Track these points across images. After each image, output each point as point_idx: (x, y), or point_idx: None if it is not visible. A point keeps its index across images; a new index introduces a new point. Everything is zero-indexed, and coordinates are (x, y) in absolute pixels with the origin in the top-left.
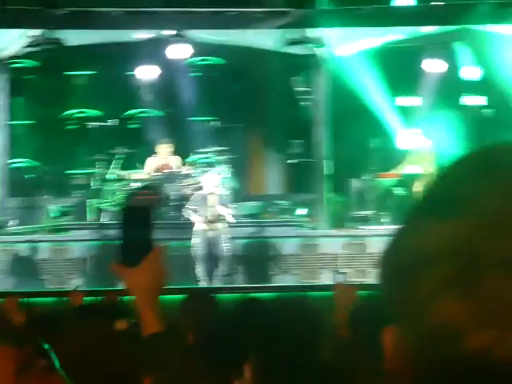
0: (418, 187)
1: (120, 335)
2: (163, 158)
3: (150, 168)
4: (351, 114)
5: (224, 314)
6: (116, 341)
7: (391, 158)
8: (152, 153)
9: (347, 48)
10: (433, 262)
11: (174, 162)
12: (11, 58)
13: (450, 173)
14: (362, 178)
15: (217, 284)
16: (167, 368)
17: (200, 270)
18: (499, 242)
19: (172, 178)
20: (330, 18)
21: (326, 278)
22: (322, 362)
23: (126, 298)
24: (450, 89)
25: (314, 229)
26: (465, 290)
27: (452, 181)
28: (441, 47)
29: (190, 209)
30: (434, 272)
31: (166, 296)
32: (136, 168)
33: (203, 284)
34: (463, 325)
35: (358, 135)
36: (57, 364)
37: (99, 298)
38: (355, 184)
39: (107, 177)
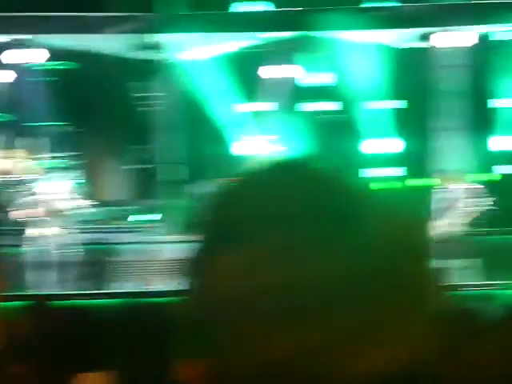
0: None
1: None
2: (9, 161)
3: None
4: (194, 120)
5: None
6: None
7: (233, 164)
8: None
9: (191, 53)
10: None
11: (21, 166)
12: None
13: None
14: (205, 183)
15: (53, 291)
16: None
17: (35, 276)
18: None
19: (10, 183)
20: (177, 23)
21: (163, 284)
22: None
23: None
24: (294, 94)
25: (158, 234)
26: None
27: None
28: (285, 53)
29: (29, 214)
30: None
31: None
32: None
33: (38, 290)
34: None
35: (201, 141)
36: None
37: None
38: (198, 189)
39: None
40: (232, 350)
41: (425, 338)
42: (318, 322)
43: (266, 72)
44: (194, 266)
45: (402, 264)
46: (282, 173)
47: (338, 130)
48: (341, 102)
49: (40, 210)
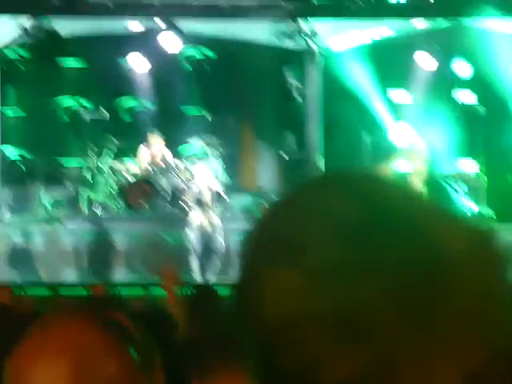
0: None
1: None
2: (155, 149)
3: (142, 159)
4: (343, 109)
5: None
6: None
7: (383, 154)
8: (145, 145)
9: (340, 42)
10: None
11: (167, 154)
12: (2, 47)
13: (282, 210)
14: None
15: (211, 278)
16: None
17: (195, 263)
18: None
19: (166, 170)
20: (322, 11)
21: None
22: None
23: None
24: (442, 86)
25: None
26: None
27: (286, 220)
28: (433, 43)
29: (186, 201)
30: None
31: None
32: (129, 159)
33: (197, 277)
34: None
35: (350, 130)
36: None
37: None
38: None
39: (100, 168)
40: (295, 374)
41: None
42: (388, 340)
43: (415, 61)
44: (249, 282)
45: (485, 276)
46: (347, 184)
47: (489, 122)
48: (489, 94)
49: (193, 198)
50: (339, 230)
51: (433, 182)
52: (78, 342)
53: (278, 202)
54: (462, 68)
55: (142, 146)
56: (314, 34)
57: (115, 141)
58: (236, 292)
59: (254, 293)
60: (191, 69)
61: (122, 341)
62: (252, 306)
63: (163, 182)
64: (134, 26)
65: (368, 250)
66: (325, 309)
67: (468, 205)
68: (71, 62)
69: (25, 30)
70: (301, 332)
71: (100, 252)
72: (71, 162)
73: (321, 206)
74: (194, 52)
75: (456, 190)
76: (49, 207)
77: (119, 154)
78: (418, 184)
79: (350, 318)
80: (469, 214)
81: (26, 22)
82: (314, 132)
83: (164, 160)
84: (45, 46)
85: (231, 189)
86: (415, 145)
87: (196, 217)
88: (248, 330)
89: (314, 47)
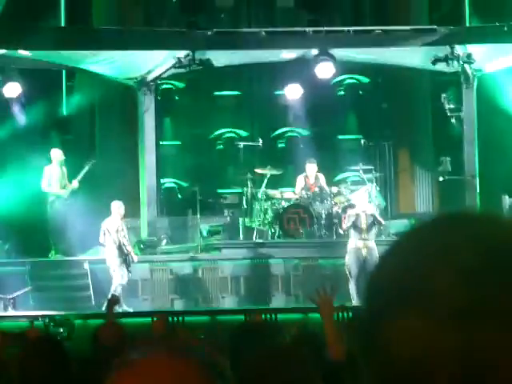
0: None
1: None
2: (311, 176)
3: (299, 186)
4: (500, 131)
5: None
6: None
7: None
8: (300, 172)
9: (495, 64)
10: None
11: (322, 180)
12: (158, 79)
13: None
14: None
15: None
16: None
17: (353, 287)
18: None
19: (322, 196)
20: (477, 35)
21: None
22: None
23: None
24: None
25: None
26: None
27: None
28: None
29: (343, 227)
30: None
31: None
32: (284, 186)
33: (355, 301)
34: None
35: (508, 152)
36: None
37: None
38: (506, 201)
39: (257, 196)
40: None
41: None
42: None
43: None
44: (375, 325)
45: None
46: (464, 226)
47: None
48: None
49: (349, 223)
50: (461, 274)
51: None
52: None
53: (397, 243)
54: None
55: (298, 173)
56: (468, 57)
57: (272, 168)
58: (359, 333)
59: (382, 336)
60: (346, 96)
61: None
62: (379, 347)
63: (319, 208)
64: (288, 55)
65: (491, 294)
66: (453, 354)
67: None
68: (226, 92)
69: (179, 61)
70: (428, 378)
71: (257, 278)
72: (227, 190)
73: (440, 249)
74: (349, 79)
75: None
76: (206, 235)
77: (275, 181)
78: None
79: (476, 365)
80: None
81: (181, 52)
82: (471, 154)
83: (320, 186)
84: (199, 77)
85: (388, 212)
86: None
87: (352, 241)
88: (369, 368)
89: (469, 70)
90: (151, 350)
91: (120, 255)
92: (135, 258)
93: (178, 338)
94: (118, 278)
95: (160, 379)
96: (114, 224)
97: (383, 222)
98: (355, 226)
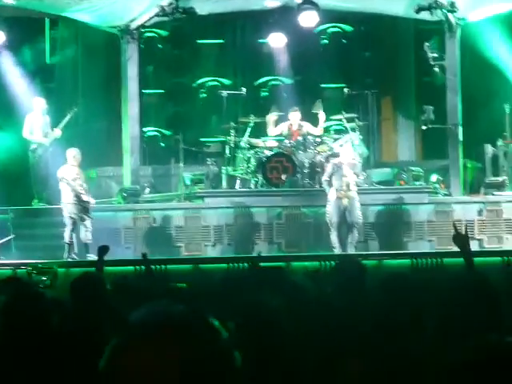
0: None
1: None
2: (294, 124)
3: (279, 129)
4: (483, 80)
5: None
6: None
7: None
8: (283, 121)
9: (478, 13)
10: None
11: (307, 127)
12: (141, 27)
13: None
14: (496, 143)
15: (351, 251)
16: None
17: (334, 236)
18: None
19: (305, 145)
20: None
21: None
22: None
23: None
24: None
25: (448, 195)
26: None
27: None
28: None
29: (326, 176)
30: None
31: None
32: (267, 135)
33: (337, 251)
34: None
35: (491, 101)
36: None
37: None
38: (489, 150)
39: (240, 144)
40: None
41: None
42: None
43: None
44: None
45: None
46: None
47: None
48: None
49: (336, 172)
50: None
51: None
52: None
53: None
54: None
55: (280, 121)
56: (452, 6)
57: (254, 117)
58: None
59: None
60: (329, 44)
61: None
62: None
63: (302, 157)
64: (272, 3)
65: None
66: None
67: None
68: (209, 41)
69: (162, 9)
70: None
71: (240, 226)
72: (210, 139)
73: None
74: (332, 28)
75: None
76: (189, 183)
77: (258, 130)
78: None
79: None
80: None
81: (164, 1)
82: (454, 103)
83: (303, 134)
84: (182, 25)
85: (371, 161)
86: None
87: (333, 191)
88: None
89: (452, 19)
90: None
91: (77, 202)
92: (92, 202)
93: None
94: (82, 227)
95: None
96: (71, 172)
97: (363, 172)
98: (337, 175)
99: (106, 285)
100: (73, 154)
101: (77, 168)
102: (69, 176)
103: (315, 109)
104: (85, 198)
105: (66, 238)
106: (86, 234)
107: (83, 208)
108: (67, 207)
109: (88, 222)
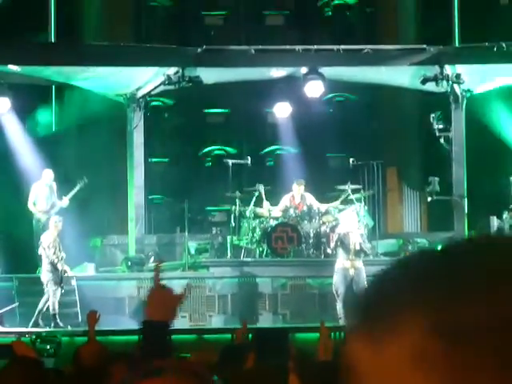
0: None
1: None
2: (297, 195)
3: (283, 205)
4: (489, 152)
5: None
6: None
7: None
8: (288, 190)
9: (484, 85)
10: None
11: (309, 198)
12: (147, 95)
13: None
14: (502, 215)
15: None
16: None
17: (340, 307)
18: None
19: (310, 215)
20: (467, 55)
21: None
22: None
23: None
24: None
25: None
26: None
27: None
28: None
29: (332, 246)
30: None
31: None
32: (274, 205)
33: (343, 321)
34: None
35: (496, 173)
36: None
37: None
38: (495, 222)
39: (245, 214)
40: None
41: None
42: None
43: None
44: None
45: None
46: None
47: None
48: None
49: (342, 242)
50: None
51: None
52: None
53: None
54: None
55: (286, 191)
56: (457, 77)
57: (260, 186)
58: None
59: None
60: (334, 113)
61: None
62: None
63: (307, 227)
64: (277, 73)
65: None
66: None
67: None
68: (215, 110)
69: (169, 78)
70: None
71: (245, 296)
72: (216, 208)
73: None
74: (338, 97)
75: None
76: (194, 252)
77: (263, 199)
78: None
79: None
80: None
81: (170, 69)
82: (460, 174)
83: (308, 205)
84: (188, 94)
85: (376, 232)
86: None
87: (340, 261)
88: None
89: (458, 90)
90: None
91: (52, 271)
92: (68, 272)
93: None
94: (51, 295)
95: None
96: (47, 239)
97: (368, 251)
98: (343, 245)
99: (109, 355)
100: (53, 220)
101: (54, 236)
102: (45, 243)
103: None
104: (59, 266)
105: (50, 308)
106: (53, 303)
107: (57, 277)
108: (43, 274)
109: (58, 292)
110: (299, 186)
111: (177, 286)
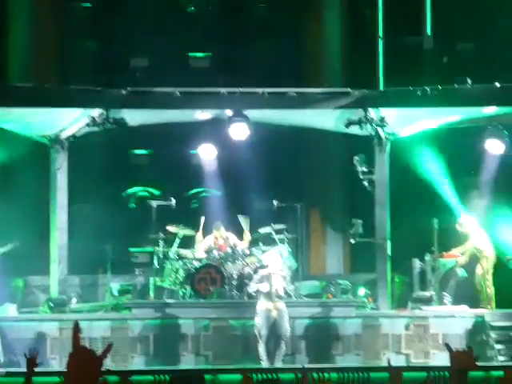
0: (480, 269)
1: None
2: (223, 236)
3: (209, 246)
4: (412, 195)
5: None
6: None
7: (451, 239)
8: (211, 231)
9: (408, 128)
10: None
11: (232, 239)
12: (71, 137)
13: None
14: (424, 258)
15: (279, 364)
16: None
17: (262, 349)
18: None
19: (234, 256)
20: (391, 99)
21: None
22: None
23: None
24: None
25: (375, 309)
26: None
27: None
28: (501, 128)
29: (254, 288)
30: None
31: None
32: (196, 246)
33: (265, 363)
34: None
35: (419, 216)
36: None
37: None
38: (417, 264)
39: (169, 255)
40: None
41: None
42: None
43: (484, 147)
44: None
45: None
46: None
47: None
48: None
49: (265, 284)
50: None
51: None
52: None
53: None
54: None
55: (210, 233)
56: (381, 121)
57: (183, 228)
58: None
59: None
60: (259, 157)
61: None
62: None
63: (230, 268)
64: (202, 115)
65: None
66: None
67: None
68: (140, 151)
69: (93, 119)
70: None
71: (167, 338)
72: (139, 249)
73: None
74: (262, 141)
75: None
76: (116, 294)
77: (186, 241)
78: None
79: None
80: None
81: (95, 111)
82: (382, 217)
83: (231, 246)
84: (113, 136)
85: (299, 273)
86: (483, 231)
87: (263, 302)
88: None
89: (382, 134)
90: None
91: None
92: None
93: None
94: None
95: None
96: None
97: (291, 285)
98: (265, 287)
99: None
100: None
101: None
102: None
103: (244, 225)
104: None
105: None
106: None
107: None
108: None
109: None
110: (217, 230)
111: (99, 328)
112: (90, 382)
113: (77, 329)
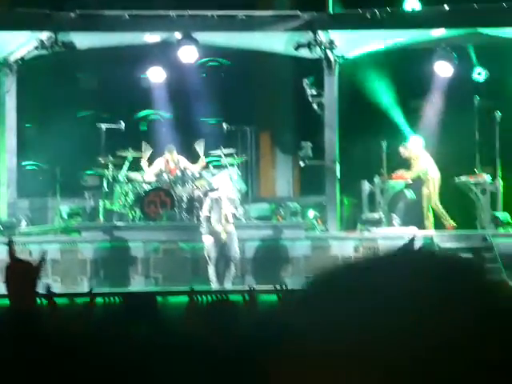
0: (427, 190)
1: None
2: (173, 159)
3: (156, 168)
4: (361, 117)
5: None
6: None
7: (400, 161)
8: (161, 154)
9: (357, 51)
10: None
11: (183, 162)
12: (20, 60)
13: None
14: (373, 180)
15: (228, 285)
16: None
17: (212, 271)
18: None
19: (183, 179)
20: (340, 21)
21: None
22: None
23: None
24: (460, 92)
25: (324, 231)
26: None
27: None
28: (450, 50)
29: (204, 210)
30: None
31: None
32: (145, 169)
33: (215, 285)
34: None
35: (368, 138)
36: None
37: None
38: (366, 186)
39: (118, 178)
40: None
41: None
42: None
43: (433, 69)
44: None
45: None
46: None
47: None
48: (507, 100)
49: (214, 206)
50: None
51: (452, 189)
52: None
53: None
54: (479, 74)
55: (159, 156)
56: (330, 43)
57: (132, 151)
58: None
59: None
60: (208, 79)
61: None
62: None
63: (180, 191)
64: (151, 38)
65: None
66: None
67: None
68: (88, 75)
69: (42, 42)
70: None
71: (117, 261)
72: (88, 172)
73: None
74: (212, 61)
75: (476, 196)
76: (66, 217)
77: (136, 164)
78: (435, 190)
79: None
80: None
81: (43, 34)
82: (332, 140)
83: (181, 169)
84: (62, 59)
85: (249, 196)
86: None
87: (212, 225)
88: None
89: (331, 56)
90: None
91: None
92: None
93: None
94: None
95: None
96: None
97: (241, 207)
98: (215, 209)
99: None
100: None
101: None
102: None
103: (197, 148)
104: None
105: None
106: None
107: None
108: None
109: None
110: (170, 153)
111: (49, 251)
112: (28, 289)
113: (11, 244)
